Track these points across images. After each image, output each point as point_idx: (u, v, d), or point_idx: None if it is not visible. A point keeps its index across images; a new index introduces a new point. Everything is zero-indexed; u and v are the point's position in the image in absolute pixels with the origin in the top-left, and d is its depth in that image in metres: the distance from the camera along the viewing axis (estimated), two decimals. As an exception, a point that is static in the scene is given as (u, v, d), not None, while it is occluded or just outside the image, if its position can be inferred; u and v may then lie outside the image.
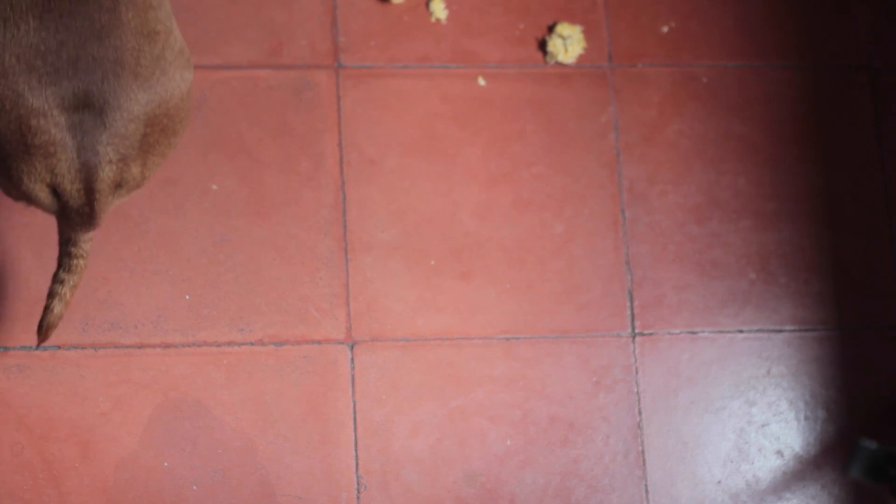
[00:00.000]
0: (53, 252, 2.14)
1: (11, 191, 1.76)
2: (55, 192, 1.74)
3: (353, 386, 2.18)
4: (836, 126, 2.40)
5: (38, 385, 2.10)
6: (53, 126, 1.68)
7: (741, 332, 2.30)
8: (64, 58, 1.67)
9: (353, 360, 2.19)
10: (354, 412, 2.17)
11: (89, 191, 1.73)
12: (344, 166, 2.25)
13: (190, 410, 2.13)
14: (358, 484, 2.15)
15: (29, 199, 1.76)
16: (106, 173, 1.72)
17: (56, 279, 1.91)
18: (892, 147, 2.41)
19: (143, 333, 2.14)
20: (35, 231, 2.14)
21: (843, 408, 2.30)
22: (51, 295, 1.92)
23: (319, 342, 2.19)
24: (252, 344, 2.17)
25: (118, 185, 1.75)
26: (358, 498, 2.15)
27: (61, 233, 1.88)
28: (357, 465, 2.16)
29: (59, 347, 2.12)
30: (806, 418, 2.30)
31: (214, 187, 2.21)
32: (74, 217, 1.77)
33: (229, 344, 2.16)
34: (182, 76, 1.75)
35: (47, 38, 1.67)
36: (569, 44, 2.34)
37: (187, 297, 2.17)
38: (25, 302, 2.13)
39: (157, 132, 1.74)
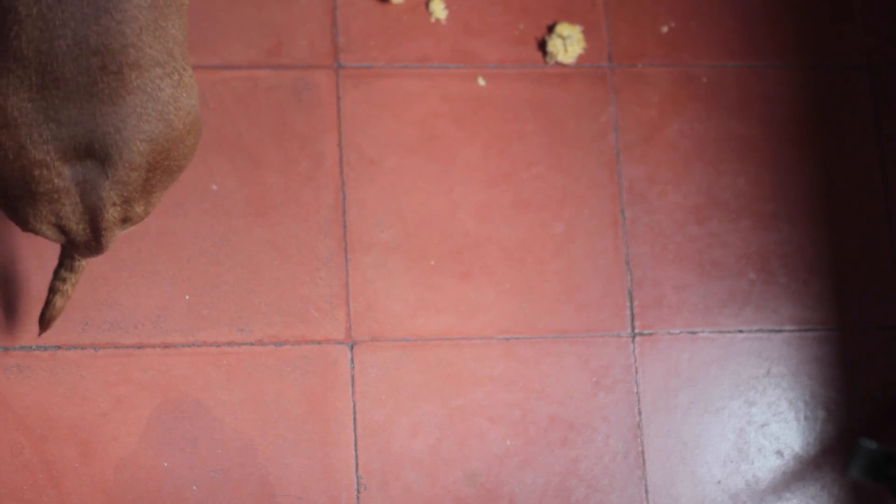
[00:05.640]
0: (53, 252, 2.14)
1: (19, 225, 1.80)
2: (62, 230, 1.77)
3: (352, 386, 2.18)
4: (836, 126, 2.40)
5: (38, 385, 2.10)
6: (56, 176, 1.71)
7: (741, 332, 2.30)
8: (65, 114, 1.69)
9: (352, 360, 2.19)
10: (354, 412, 2.17)
11: (95, 229, 1.77)
12: (344, 166, 2.25)
13: (190, 410, 2.13)
14: (358, 484, 2.15)
15: (36, 234, 1.79)
16: (111, 214, 1.76)
17: (58, 276, 1.95)
18: (892, 147, 2.41)
19: (143, 333, 2.14)
20: (35, 231, 2.15)
21: (843, 408, 2.30)
22: (52, 290, 1.96)
23: (319, 342, 2.19)
24: (252, 344, 2.17)
25: (124, 221, 1.79)
26: (358, 498, 2.15)
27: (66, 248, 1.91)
28: (357, 465, 2.16)
29: (59, 347, 2.12)
30: (806, 418, 2.30)
31: (214, 187, 2.21)
32: (82, 249, 1.81)
33: (229, 344, 2.16)
34: (184, 122, 1.76)
35: (49, 95, 1.69)
36: (568, 44, 2.34)
37: (187, 297, 2.17)
38: (25, 302, 2.13)
39: (160, 173, 1.77)
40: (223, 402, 2.14)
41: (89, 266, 2.14)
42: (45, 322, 2.00)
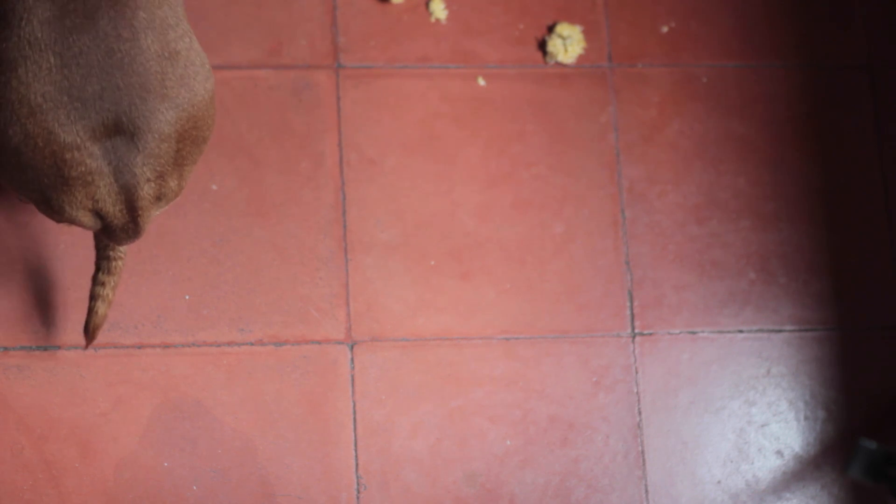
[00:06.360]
0: (53, 252, 2.14)
1: (54, 217, 1.78)
2: (98, 214, 1.76)
3: (352, 386, 2.18)
4: (836, 126, 2.40)
5: (38, 385, 2.10)
6: (88, 157, 1.70)
7: (741, 332, 2.30)
8: (89, 91, 1.69)
9: (353, 360, 2.19)
10: (354, 412, 2.17)
11: (132, 209, 1.76)
12: (344, 166, 2.25)
13: (190, 410, 2.13)
14: (358, 484, 2.15)
15: (72, 223, 1.78)
16: (146, 191, 1.75)
17: (97, 282, 1.94)
18: (892, 147, 2.41)
19: (143, 333, 2.14)
20: (35, 231, 2.14)
21: (843, 408, 2.30)
22: (93, 297, 1.95)
23: (319, 342, 2.19)
24: (252, 344, 2.17)
25: (158, 199, 1.78)
26: (358, 498, 2.15)
27: (101, 241, 1.90)
28: (357, 465, 2.16)
29: (59, 347, 2.12)
30: (806, 418, 2.30)
31: (214, 187, 2.21)
32: (119, 233, 1.80)
33: (229, 344, 2.16)
34: (205, 87, 1.76)
35: (70, 74, 1.68)
36: (569, 44, 2.34)
37: (187, 297, 2.17)
38: (26, 302, 2.13)
39: (189, 144, 1.77)
40: (223, 402, 2.14)
41: (90, 266, 2.14)
42: (90, 332, 1.99)
